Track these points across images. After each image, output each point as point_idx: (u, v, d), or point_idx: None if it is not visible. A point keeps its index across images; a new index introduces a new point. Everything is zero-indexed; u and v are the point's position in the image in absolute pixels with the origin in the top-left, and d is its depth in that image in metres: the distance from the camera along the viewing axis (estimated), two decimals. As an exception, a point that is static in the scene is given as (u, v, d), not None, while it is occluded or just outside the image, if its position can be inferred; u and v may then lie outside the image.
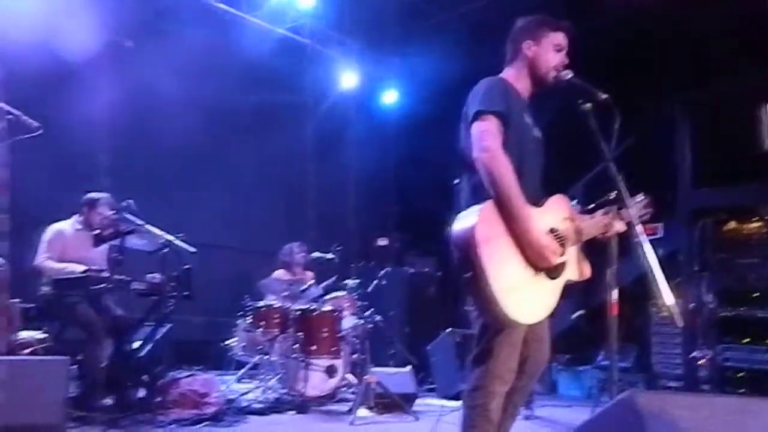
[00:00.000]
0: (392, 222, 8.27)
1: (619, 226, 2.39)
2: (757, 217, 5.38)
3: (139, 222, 3.97)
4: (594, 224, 2.39)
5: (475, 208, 2.11)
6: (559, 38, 2.41)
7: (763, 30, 4.59)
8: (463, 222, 2.12)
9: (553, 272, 2.20)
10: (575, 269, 2.31)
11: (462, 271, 2.10)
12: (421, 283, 7.05)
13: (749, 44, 5.07)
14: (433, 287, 7.15)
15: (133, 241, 4.05)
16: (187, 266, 4.12)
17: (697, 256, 5.40)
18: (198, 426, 3.65)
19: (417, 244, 7.91)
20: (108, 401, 3.86)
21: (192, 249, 4.13)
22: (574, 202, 2.66)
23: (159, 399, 3.80)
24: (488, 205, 2.11)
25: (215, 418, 3.78)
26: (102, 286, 3.79)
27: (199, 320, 5.99)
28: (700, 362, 5.27)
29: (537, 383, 6.04)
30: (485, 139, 2.16)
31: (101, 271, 3.97)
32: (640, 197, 2.46)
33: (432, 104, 7.33)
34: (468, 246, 2.04)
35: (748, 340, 5.21)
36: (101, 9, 5.47)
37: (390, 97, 8.18)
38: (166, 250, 4.08)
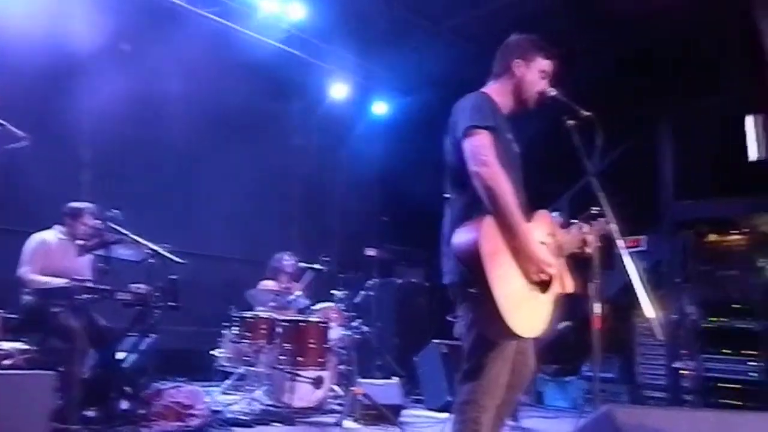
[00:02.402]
0: (381, 232, 8.28)
1: (591, 240, 2.42)
2: (737, 230, 5.48)
3: (125, 232, 3.95)
4: (571, 239, 2.43)
5: (475, 222, 2.13)
6: (548, 65, 2.45)
7: (745, 45, 4.69)
8: (464, 237, 2.13)
9: (544, 287, 2.24)
10: (560, 283, 2.35)
11: (467, 285, 2.12)
12: (409, 294, 7.06)
13: (732, 59, 5.18)
14: (422, 298, 7.16)
15: (119, 251, 4.02)
16: (173, 276, 4.10)
17: (680, 268, 5.48)
18: (182, 438, 3.62)
19: (406, 254, 7.92)
20: (90, 413, 3.82)
21: (178, 259, 4.12)
22: (556, 214, 2.70)
23: (143, 411, 3.76)
24: (488, 220, 2.12)
25: (200, 431, 3.75)
26: (86, 296, 3.76)
27: (186, 330, 5.95)
28: (683, 373, 5.33)
29: (523, 394, 6.09)
30: (483, 153, 2.17)
31: (85, 281, 3.94)
32: (599, 220, 2.43)
33: (421, 116, 7.38)
34: (474, 261, 2.06)
35: (729, 351, 5.28)
36: (97, 13, 5.45)
37: (380, 108, 8.21)
38: (152, 260, 4.07)
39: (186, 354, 5.89)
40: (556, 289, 2.31)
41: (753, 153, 5.33)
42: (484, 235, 2.08)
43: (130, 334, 4.16)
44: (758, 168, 5.11)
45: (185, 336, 5.98)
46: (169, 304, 4.05)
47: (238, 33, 6.66)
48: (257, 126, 7.12)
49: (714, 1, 4.75)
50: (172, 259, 4.08)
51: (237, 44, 6.69)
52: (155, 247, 4.01)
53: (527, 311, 2.15)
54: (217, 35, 6.49)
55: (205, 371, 5.46)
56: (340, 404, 4.85)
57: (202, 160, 6.49)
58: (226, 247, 6.76)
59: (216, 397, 4.86)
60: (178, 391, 3.94)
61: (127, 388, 3.95)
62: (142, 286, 4.01)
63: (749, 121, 5.36)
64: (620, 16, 5.26)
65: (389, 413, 4.48)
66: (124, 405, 3.94)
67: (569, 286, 2.40)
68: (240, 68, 6.75)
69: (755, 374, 5.12)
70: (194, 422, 3.78)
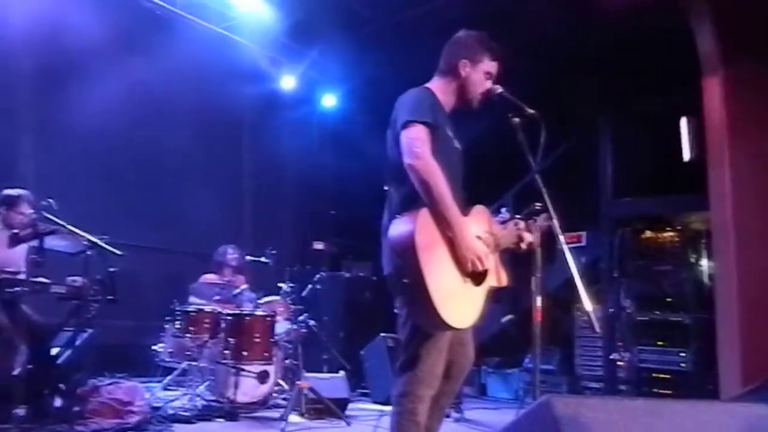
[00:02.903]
0: (330, 226, 8.25)
1: (529, 238, 2.47)
2: (671, 227, 5.74)
3: (60, 222, 3.78)
4: (508, 235, 2.48)
5: (411, 214, 2.14)
6: (494, 67, 2.48)
7: (681, 51, 4.91)
8: (400, 228, 2.15)
9: (478, 279, 2.27)
10: (495, 276, 2.40)
11: (401, 276, 2.13)
12: (356, 288, 7.05)
13: (669, 64, 5.40)
14: (369, 292, 7.16)
15: (54, 243, 3.85)
16: (112, 269, 3.96)
17: (617, 263, 5.69)
18: (120, 436, 3.51)
19: (354, 248, 7.92)
20: (21, 411, 3.64)
21: (117, 251, 3.97)
22: (504, 209, 2.75)
23: (78, 408, 3.62)
24: (424, 212, 2.14)
25: (138, 428, 3.65)
26: (17, 289, 3.58)
27: (126, 325, 5.76)
28: (618, 364, 5.55)
29: (467, 386, 6.20)
30: (417, 146, 2.19)
31: (17, 273, 3.76)
32: (540, 217, 2.48)
33: (370, 109, 7.36)
34: (408, 252, 2.07)
35: (662, 343, 5.54)
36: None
37: (329, 101, 8.16)
38: (89, 252, 3.91)
39: (126, 349, 5.71)
40: (490, 282, 2.35)
41: (687, 154, 5.59)
42: (420, 226, 2.10)
43: (65, 329, 4.00)
44: (692, 168, 5.36)
45: (125, 331, 5.79)
46: (108, 297, 3.92)
47: (184, 19, 6.49)
48: (202, 117, 6.94)
49: (652, 5, 4.93)
50: (110, 251, 3.93)
51: (186, 32, 6.52)
52: (93, 239, 3.86)
53: (460, 303, 2.17)
54: (162, 20, 6.31)
55: (146, 367, 5.31)
56: (285, 399, 4.82)
57: (147, 149, 6.28)
58: (169, 239, 6.58)
59: (157, 393, 4.75)
60: (116, 387, 3.82)
61: (62, 385, 3.79)
62: (78, 278, 3.86)
63: (683, 123, 5.62)
64: (562, 17, 5.42)
65: (335, 407, 4.48)
66: (58, 402, 3.79)
67: (503, 279, 2.45)
68: (181, 58, 6.56)
69: (685, 365, 5.39)
70: (133, 419, 3.67)
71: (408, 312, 2.23)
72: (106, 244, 3.93)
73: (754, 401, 1.92)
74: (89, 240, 3.85)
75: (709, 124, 4.71)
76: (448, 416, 4.78)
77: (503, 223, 2.51)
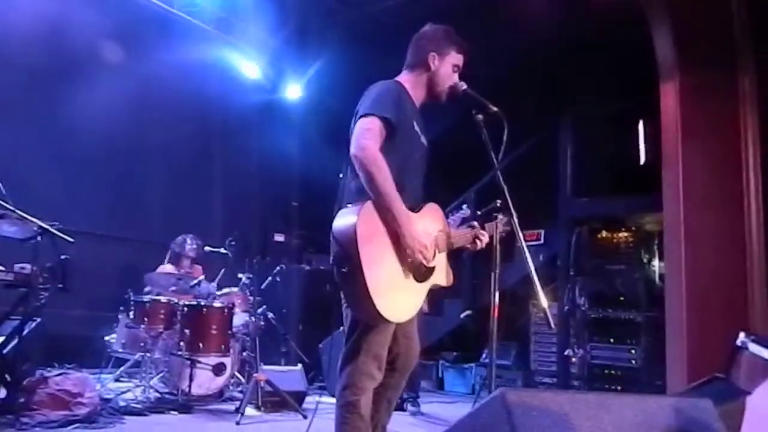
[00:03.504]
0: (293, 218, 8.18)
1: (485, 239, 2.50)
2: (626, 227, 5.92)
3: (9, 207, 3.64)
4: (462, 235, 2.50)
5: (357, 205, 2.14)
6: (460, 60, 2.50)
7: (642, 55, 5.04)
8: (344, 219, 2.14)
9: (421, 276, 2.28)
10: (442, 275, 2.41)
11: (340, 265, 2.12)
12: (316, 281, 7.01)
13: (630, 68, 5.55)
14: (329, 285, 7.13)
15: (3, 228, 3.71)
16: (63, 256, 3.83)
17: (573, 261, 5.82)
18: (67, 428, 3.41)
19: (315, 241, 7.88)
20: (-38, 403, 3.51)
21: (69, 238, 3.85)
22: (465, 206, 2.78)
23: (23, 400, 3.50)
24: (368, 205, 2.14)
25: (87, 420, 3.54)
26: (-40, 276, 3.43)
27: (77, 314, 5.60)
28: (572, 360, 5.69)
29: (424, 380, 6.23)
30: (366, 137, 2.18)
31: (-39, 259, 3.60)
32: (501, 217, 2.48)
33: (336, 101, 7.32)
34: (349, 242, 2.07)
35: (614, 340, 5.71)
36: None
37: (293, 92, 8.07)
38: (39, 239, 3.78)
39: (76, 340, 5.55)
40: (436, 280, 2.35)
41: (643, 156, 5.76)
42: (363, 217, 2.10)
43: (11, 317, 3.86)
44: (648, 170, 5.52)
45: (76, 320, 5.63)
46: (58, 286, 3.79)
47: (142, 5, 6.31)
48: (166, 104, 6.78)
49: (614, 9, 5.05)
50: (62, 238, 3.80)
51: (153, 20, 6.34)
52: (43, 224, 3.73)
53: (398, 296, 2.16)
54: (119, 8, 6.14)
55: (97, 358, 5.17)
56: (241, 391, 4.76)
57: (106, 136, 6.08)
58: (127, 227, 6.41)
59: (108, 385, 4.63)
60: (64, 378, 3.70)
61: (7, 376, 3.66)
62: (27, 266, 3.72)
63: (641, 126, 5.78)
64: (526, 18, 5.50)
65: (292, 400, 4.45)
66: (3, 393, 3.66)
67: (449, 279, 2.46)
68: (144, 46, 6.38)
69: (635, 361, 5.57)
70: (82, 411, 3.56)
71: (346, 302, 2.23)
72: (58, 230, 3.80)
73: (698, 396, 2.00)
74: (40, 226, 3.72)
75: (664, 127, 4.85)
76: (404, 410, 4.82)
77: (464, 220, 2.53)
